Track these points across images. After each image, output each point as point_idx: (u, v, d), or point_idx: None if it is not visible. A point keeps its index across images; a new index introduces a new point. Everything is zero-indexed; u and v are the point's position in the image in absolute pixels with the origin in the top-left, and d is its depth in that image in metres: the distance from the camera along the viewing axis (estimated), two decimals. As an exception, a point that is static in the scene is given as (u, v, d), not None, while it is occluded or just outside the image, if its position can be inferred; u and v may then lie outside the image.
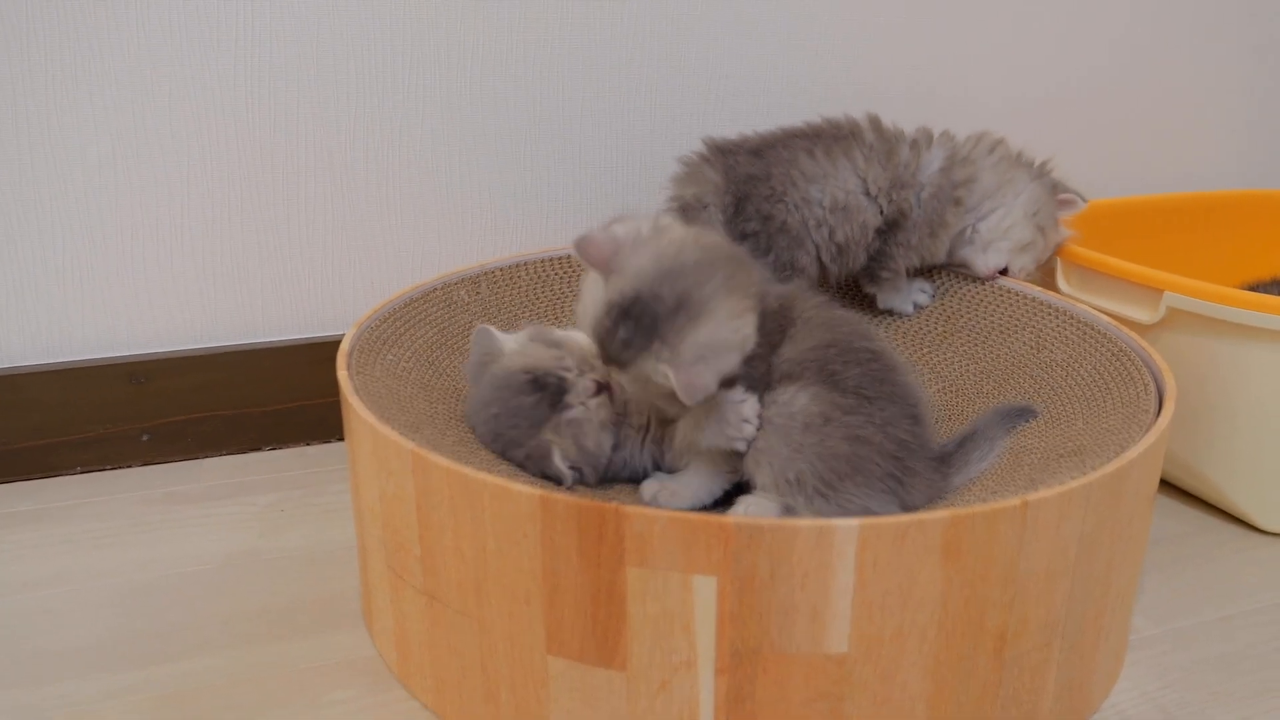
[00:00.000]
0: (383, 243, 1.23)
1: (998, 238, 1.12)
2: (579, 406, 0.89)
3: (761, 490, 0.84)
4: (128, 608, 0.93)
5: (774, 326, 0.87)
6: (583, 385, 0.90)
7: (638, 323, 0.78)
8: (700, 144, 1.10)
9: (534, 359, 0.91)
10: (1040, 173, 1.14)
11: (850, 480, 0.81)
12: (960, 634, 0.69)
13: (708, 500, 0.90)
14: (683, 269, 0.79)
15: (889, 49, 1.34)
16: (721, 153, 1.08)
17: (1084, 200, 1.15)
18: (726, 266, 0.81)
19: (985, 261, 1.12)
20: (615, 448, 0.92)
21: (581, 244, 0.81)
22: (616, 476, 0.94)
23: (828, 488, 0.81)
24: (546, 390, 0.89)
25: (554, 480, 0.88)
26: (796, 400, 0.83)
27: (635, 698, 0.70)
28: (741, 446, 0.84)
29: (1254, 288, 1.32)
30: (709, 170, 1.07)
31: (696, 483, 0.89)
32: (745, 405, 0.83)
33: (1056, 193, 1.15)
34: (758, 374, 0.85)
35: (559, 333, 0.95)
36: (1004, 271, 1.13)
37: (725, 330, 0.79)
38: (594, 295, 0.82)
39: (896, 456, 0.83)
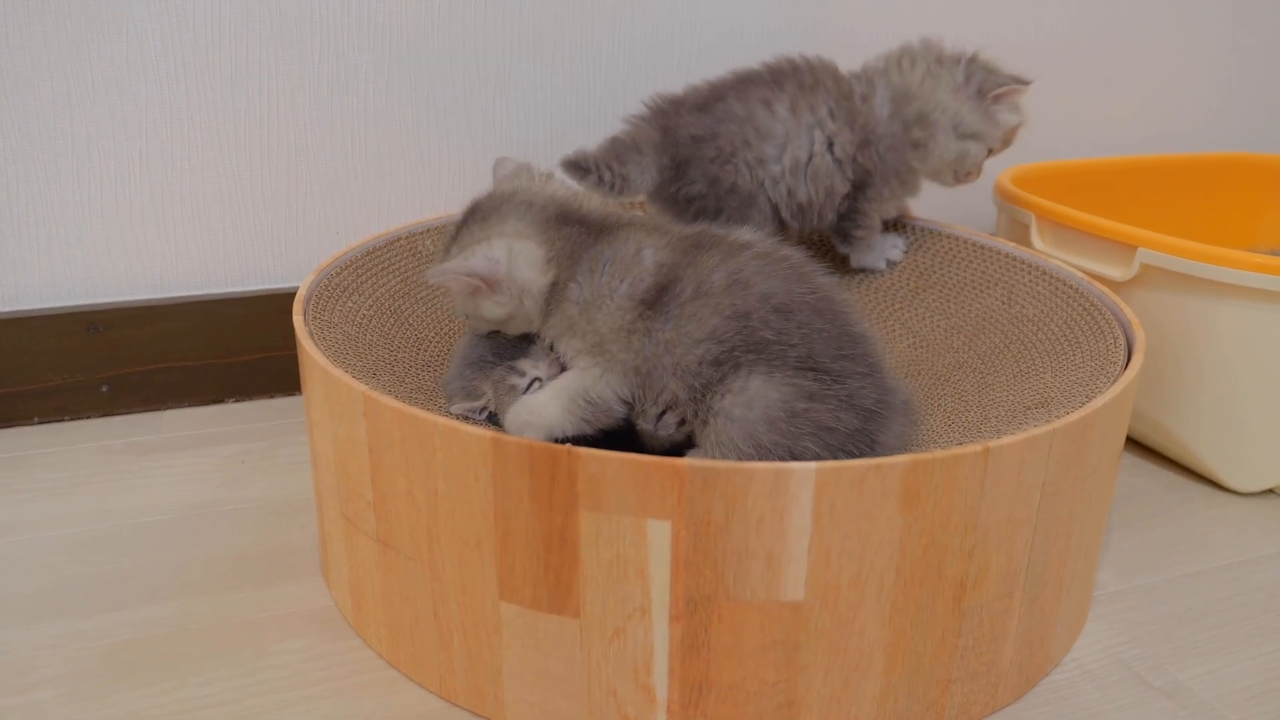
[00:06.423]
0: (349, 194, 1.20)
1: (938, 165, 1.07)
2: (525, 377, 0.83)
3: None
4: (81, 557, 0.91)
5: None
6: (545, 362, 0.83)
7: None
8: (642, 105, 1.03)
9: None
10: (963, 80, 1.04)
11: None
12: (919, 582, 0.68)
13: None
14: None
15: None
16: (661, 114, 1.01)
17: (1025, 82, 1.05)
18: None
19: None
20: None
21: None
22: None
23: None
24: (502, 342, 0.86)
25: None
26: (751, 386, 0.74)
27: (589, 645, 0.69)
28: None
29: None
30: (647, 128, 1.00)
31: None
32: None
33: (986, 93, 1.04)
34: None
35: None
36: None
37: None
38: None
39: (865, 430, 0.75)
